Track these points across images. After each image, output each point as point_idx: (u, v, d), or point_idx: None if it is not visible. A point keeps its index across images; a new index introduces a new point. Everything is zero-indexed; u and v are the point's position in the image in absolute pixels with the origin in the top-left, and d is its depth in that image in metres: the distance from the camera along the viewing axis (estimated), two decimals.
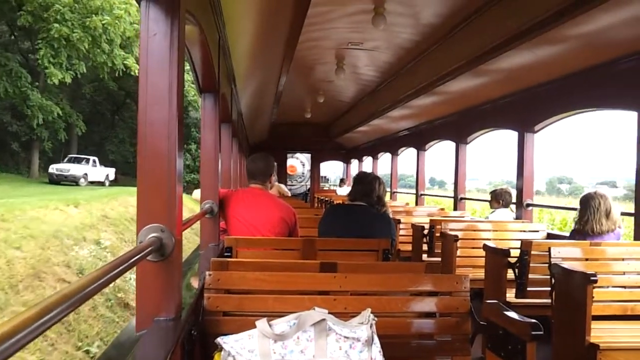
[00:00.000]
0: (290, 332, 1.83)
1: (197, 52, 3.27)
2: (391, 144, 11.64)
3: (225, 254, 3.16)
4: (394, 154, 11.75)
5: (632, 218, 4.21)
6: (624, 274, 3.40)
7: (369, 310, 1.88)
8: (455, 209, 7.83)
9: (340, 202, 4.57)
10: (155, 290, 1.80)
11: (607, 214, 3.85)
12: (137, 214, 1.82)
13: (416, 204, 9.80)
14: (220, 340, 1.82)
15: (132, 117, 33.68)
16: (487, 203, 6.37)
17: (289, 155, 15.88)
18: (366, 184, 3.58)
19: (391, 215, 3.71)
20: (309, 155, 16.24)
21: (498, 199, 6.16)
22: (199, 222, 3.63)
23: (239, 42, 4.65)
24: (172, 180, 1.81)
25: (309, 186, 16.26)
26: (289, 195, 10.64)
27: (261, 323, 1.84)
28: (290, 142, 14.48)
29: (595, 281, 2.89)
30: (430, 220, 5.62)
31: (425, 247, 5.57)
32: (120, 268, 1.34)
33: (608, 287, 3.36)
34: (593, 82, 4.69)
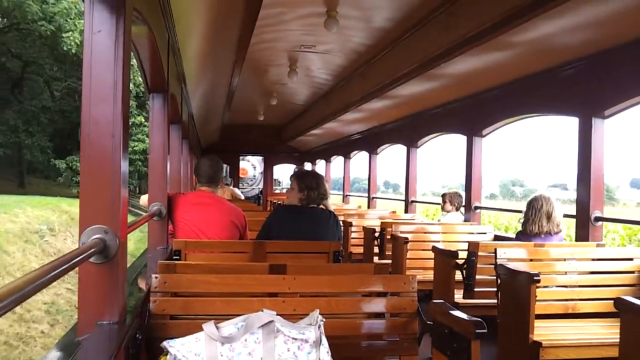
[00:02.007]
0: (237, 334, 1.81)
1: (145, 51, 3.20)
2: (344, 147, 11.71)
3: (174, 257, 3.10)
4: (347, 157, 11.83)
5: (574, 220, 4.36)
6: (565, 273, 3.52)
7: (317, 311, 1.88)
8: (406, 211, 7.94)
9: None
10: (98, 293, 1.75)
11: (549, 216, 3.98)
12: (80, 214, 1.77)
13: (368, 207, 9.88)
14: (166, 343, 1.79)
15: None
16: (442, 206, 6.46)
17: (240, 158, 15.76)
18: (322, 189, 3.54)
19: (330, 209, 3.68)
20: (260, 158, 16.17)
21: (452, 201, 6.28)
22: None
23: (189, 43, 4.58)
24: (116, 180, 1.77)
25: (261, 189, 16.18)
26: (242, 198, 10.56)
27: (208, 326, 1.81)
28: (243, 145, 14.37)
29: (539, 281, 2.98)
30: (381, 222, 5.68)
31: (376, 249, 5.62)
32: (60, 269, 1.30)
33: (551, 286, 3.47)
34: (538, 88, 4.83)
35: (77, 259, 1.45)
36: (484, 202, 6.24)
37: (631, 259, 3.64)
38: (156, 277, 2.09)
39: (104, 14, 1.78)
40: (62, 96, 27.23)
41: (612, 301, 2.50)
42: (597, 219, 4.19)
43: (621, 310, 2.41)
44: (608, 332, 3.13)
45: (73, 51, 21.10)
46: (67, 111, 26.81)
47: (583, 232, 4.22)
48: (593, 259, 3.63)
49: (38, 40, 24.20)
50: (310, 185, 3.52)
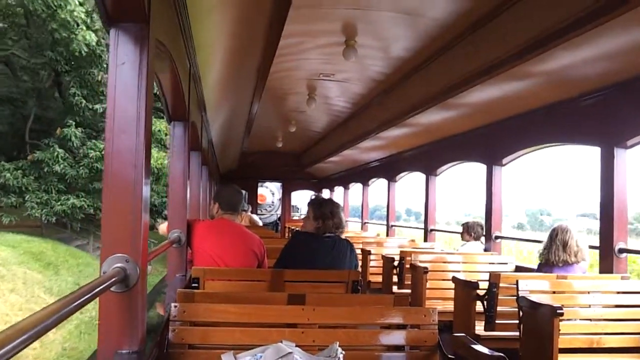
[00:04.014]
0: None
1: (167, 81, 3.26)
2: (362, 174, 11.71)
3: (192, 284, 3.10)
4: (365, 184, 11.81)
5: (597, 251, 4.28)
6: (589, 306, 3.44)
7: (337, 343, 1.86)
8: (425, 240, 7.87)
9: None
10: (118, 323, 1.75)
11: (564, 245, 3.91)
12: (102, 243, 1.79)
13: (387, 234, 9.82)
14: None
15: None
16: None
17: (259, 184, 15.82)
18: (324, 216, 3.47)
19: (343, 236, 3.64)
20: (279, 185, 16.22)
21: (469, 231, 6.22)
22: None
23: (210, 71, 4.65)
24: (137, 209, 1.78)
25: (279, 215, 16.19)
26: (260, 224, 10.57)
27: (227, 356, 1.81)
28: (262, 171, 14.44)
29: (562, 314, 2.91)
30: (401, 251, 5.63)
31: (395, 278, 5.56)
32: (83, 299, 1.30)
33: (575, 319, 3.39)
34: (558, 118, 4.80)
35: (99, 289, 1.46)
36: (511, 231, 6.16)
37: None
38: (175, 306, 2.09)
39: (128, 46, 1.81)
40: None
41: (639, 336, 2.44)
42: (621, 250, 4.10)
43: None
44: None
45: None
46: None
47: (607, 263, 4.14)
48: (618, 292, 3.55)
49: None
50: (325, 215, 3.49)
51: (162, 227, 4.03)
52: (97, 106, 18.73)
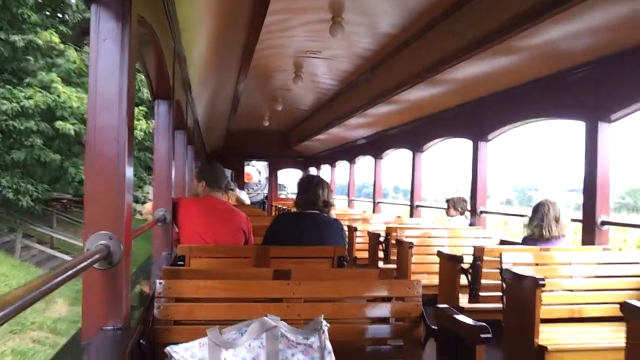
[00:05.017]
0: (241, 339, 1.81)
1: (150, 58, 3.22)
2: (349, 152, 11.72)
3: (178, 262, 3.11)
4: (352, 162, 11.83)
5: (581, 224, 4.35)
6: (571, 278, 3.50)
7: (322, 316, 1.88)
8: (411, 216, 7.93)
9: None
10: (102, 299, 1.76)
11: (557, 220, 3.97)
12: (85, 220, 1.79)
13: (373, 212, 9.87)
14: (169, 349, 1.79)
15: None
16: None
17: (245, 163, 15.78)
18: (311, 193, 3.44)
19: (334, 217, 3.62)
20: (265, 163, 16.18)
21: (455, 206, 6.27)
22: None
23: (195, 49, 4.60)
24: (120, 186, 1.78)
25: (266, 194, 16.19)
26: (248, 203, 10.56)
27: (212, 331, 1.82)
28: (248, 150, 14.39)
29: (544, 285, 2.97)
30: (387, 227, 5.67)
31: (381, 254, 5.62)
32: (65, 275, 1.31)
33: (556, 291, 3.45)
34: (543, 93, 4.83)
35: (82, 265, 1.46)
36: (500, 207, 6.23)
37: (637, 263, 3.62)
38: (160, 283, 2.10)
39: (109, 22, 1.80)
40: None
41: (618, 305, 2.49)
42: (603, 223, 4.17)
43: (627, 314, 2.40)
44: (614, 336, 3.10)
45: None
46: None
47: (589, 236, 4.20)
48: (599, 263, 3.62)
49: None
50: (304, 189, 3.47)
51: (147, 206, 4.02)
52: (14, 37, 13.70)
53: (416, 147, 7.94)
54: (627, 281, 3.56)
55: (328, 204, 3.47)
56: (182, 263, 3.10)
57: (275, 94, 8.91)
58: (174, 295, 2.11)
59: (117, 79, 1.80)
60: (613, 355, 2.88)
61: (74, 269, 1.38)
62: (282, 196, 16.13)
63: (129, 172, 1.84)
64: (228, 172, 13.72)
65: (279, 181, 16.41)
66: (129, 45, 1.82)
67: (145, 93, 14.38)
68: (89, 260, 1.55)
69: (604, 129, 4.20)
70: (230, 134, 12.48)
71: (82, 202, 3.66)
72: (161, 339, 2.00)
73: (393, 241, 5.26)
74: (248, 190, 15.53)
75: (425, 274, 4.89)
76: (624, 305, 2.42)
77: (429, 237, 5.24)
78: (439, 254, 4.35)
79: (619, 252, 3.89)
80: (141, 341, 1.86)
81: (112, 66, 1.80)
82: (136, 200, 15.85)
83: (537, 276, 3.02)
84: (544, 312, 3.11)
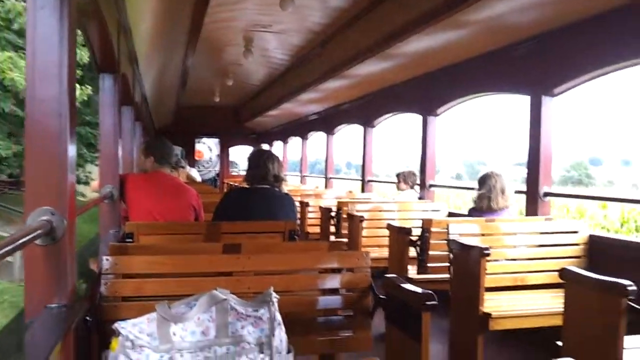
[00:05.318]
0: (190, 313, 1.80)
1: (93, 30, 3.11)
2: (301, 127, 11.70)
3: (127, 240, 3.06)
4: (304, 138, 11.82)
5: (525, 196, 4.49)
6: (515, 247, 3.63)
7: (271, 288, 1.89)
8: (363, 191, 8.01)
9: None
10: (45, 276, 1.71)
11: (503, 191, 4.11)
12: (26, 196, 1.73)
13: (325, 187, 9.92)
14: (117, 325, 1.77)
15: None
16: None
17: (196, 140, 15.52)
18: (261, 167, 3.40)
19: (285, 191, 3.61)
20: (216, 140, 15.96)
21: (404, 180, 6.37)
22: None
23: (141, 22, 4.47)
24: (63, 160, 1.73)
25: (217, 171, 16.00)
26: (199, 180, 10.44)
27: (160, 306, 1.80)
28: (199, 127, 14.15)
29: (488, 254, 3.07)
30: (338, 202, 5.72)
31: (333, 229, 5.67)
32: (5, 250, 1.27)
33: (501, 260, 3.57)
34: (490, 67, 4.92)
35: (22, 240, 1.42)
36: (450, 182, 6.35)
37: (576, 232, 3.78)
38: (107, 260, 2.06)
39: None
40: None
41: (557, 273, 2.60)
42: (546, 194, 4.32)
43: (565, 279, 2.51)
44: (554, 302, 3.25)
45: None
46: None
47: (532, 207, 4.35)
48: (541, 233, 3.76)
49: None
50: (254, 163, 3.45)
51: (95, 184, 3.93)
52: None
53: (367, 122, 7.99)
54: (567, 249, 3.72)
55: (279, 179, 3.44)
56: (130, 240, 3.05)
57: (226, 69, 8.77)
58: (122, 272, 2.08)
59: (57, 49, 1.73)
60: (553, 319, 3.02)
61: (13, 245, 1.34)
62: (234, 173, 15.97)
63: (72, 145, 1.79)
64: (178, 150, 13.49)
65: (231, 158, 16.23)
66: (69, 14, 1.75)
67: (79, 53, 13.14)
68: (30, 236, 1.50)
69: (547, 102, 4.32)
70: (180, 110, 12.25)
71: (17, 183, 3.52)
72: (109, 316, 1.97)
73: (344, 215, 5.31)
74: (199, 167, 15.28)
75: (376, 247, 4.97)
76: (562, 272, 2.53)
77: (380, 211, 5.31)
78: (389, 226, 4.42)
79: (560, 221, 4.06)
80: (87, 318, 1.83)
81: (51, 36, 1.73)
82: (78, 180, 15.05)
83: (483, 246, 3.12)
84: (488, 280, 3.23)
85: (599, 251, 3.71)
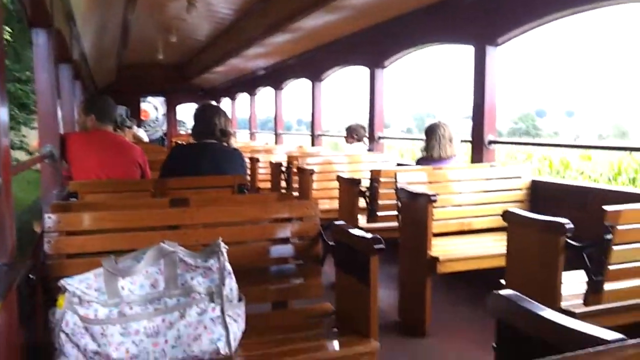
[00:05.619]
0: (138, 266, 1.79)
1: None
2: (249, 83, 11.52)
3: (71, 199, 2.98)
4: (252, 94, 11.67)
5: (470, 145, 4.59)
6: (460, 193, 3.73)
7: (220, 239, 1.89)
8: (313, 145, 8.02)
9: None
10: None
11: (450, 140, 4.19)
12: None
13: (275, 143, 9.88)
14: (63, 282, 1.74)
15: None
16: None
17: (141, 99, 15.05)
18: (207, 122, 3.33)
19: (234, 146, 3.56)
20: (162, 99, 15.53)
21: (353, 134, 6.39)
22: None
23: None
24: None
25: (165, 131, 15.62)
26: (146, 140, 10.22)
27: (107, 261, 1.78)
28: (143, 85, 13.71)
29: (435, 201, 3.14)
30: (288, 156, 5.71)
31: (284, 184, 5.67)
32: None
33: (447, 206, 3.67)
34: (436, 18, 4.93)
35: None
36: (401, 135, 6.40)
37: (519, 177, 3.91)
38: (49, 217, 2.01)
39: None
40: None
41: (501, 215, 2.69)
42: (491, 142, 4.42)
43: (508, 221, 2.60)
44: (498, 244, 3.37)
45: None
46: None
47: (478, 155, 4.45)
48: (486, 179, 3.87)
49: None
50: (200, 118, 3.38)
51: (34, 143, 3.79)
52: None
53: (315, 76, 7.94)
54: (510, 194, 3.85)
55: (226, 133, 3.39)
56: (75, 200, 2.97)
57: (169, 24, 8.47)
58: (65, 229, 2.04)
59: None
60: (497, 260, 3.13)
61: None
62: (182, 132, 15.65)
63: (2, 103, 1.71)
64: (123, 109, 13.08)
65: (178, 117, 15.85)
66: None
67: None
68: None
69: (491, 52, 4.37)
70: (123, 68, 11.84)
71: None
72: (54, 274, 1.93)
73: (295, 170, 5.31)
74: (145, 127, 14.88)
75: (327, 199, 5.01)
76: (505, 214, 2.62)
77: (330, 164, 5.33)
78: (339, 178, 4.46)
79: (503, 167, 4.17)
80: (30, 276, 1.79)
81: None
82: (12, 146, 14.13)
83: (430, 193, 3.19)
84: (436, 226, 3.32)
85: (541, 195, 3.86)
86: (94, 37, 7.31)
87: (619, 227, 2.25)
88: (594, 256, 2.31)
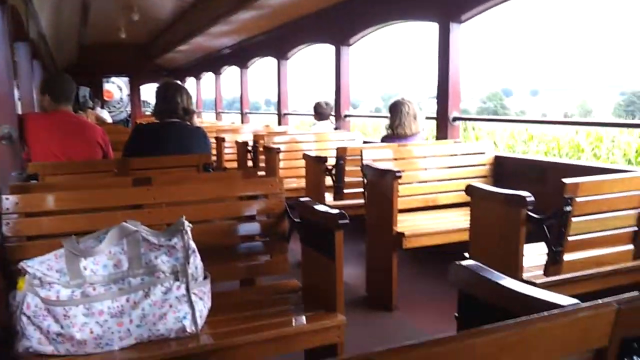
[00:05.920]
0: (101, 246, 1.76)
1: None
2: (214, 63, 11.36)
3: (31, 181, 2.91)
4: (218, 73, 11.51)
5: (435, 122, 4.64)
6: (426, 170, 3.77)
7: (183, 217, 1.87)
8: (279, 124, 7.98)
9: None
10: None
11: (415, 117, 4.21)
12: None
13: (242, 122, 9.80)
14: (23, 264, 1.71)
15: None
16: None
17: (104, 80, 14.73)
18: (169, 101, 3.26)
19: (197, 124, 3.49)
20: (126, 79, 15.21)
21: (320, 111, 6.39)
22: None
23: None
24: None
25: (129, 112, 15.33)
26: (110, 122, 10.02)
27: (68, 241, 1.75)
28: (106, 65, 13.39)
29: (400, 177, 3.16)
30: (254, 135, 5.68)
31: (250, 163, 5.64)
32: None
33: (413, 183, 3.71)
34: None
35: None
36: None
37: (483, 153, 3.97)
38: (7, 199, 1.96)
39: None
40: None
41: (465, 190, 2.72)
42: (455, 119, 4.47)
43: (471, 195, 2.64)
44: (462, 219, 3.43)
45: None
46: None
47: (443, 132, 4.50)
48: (450, 155, 3.91)
49: None
50: (161, 97, 3.30)
51: None
52: None
53: (281, 54, 7.88)
54: (474, 170, 3.91)
55: (189, 111, 3.33)
56: (35, 182, 2.90)
57: (130, 2, 8.27)
58: (25, 211, 1.99)
59: None
60: (461, 235, 3.18)
61: None
62: (146, 113, 15.38)
63: None
64: (85, 90, 12.77)
65: (143, 97, 15.55)
66: None
67: None
68: None
69: (455, 29, 4.39)
70: (85, 48, 11.53)
71: None
72: (14, 256, 1.88)
73: (261, 149, 5.28)
74: (109, 108, 14.56)
75: (294, 177, 5.00)
76: (468, 188, 2.66)
77: (296, 142, 5.31)
78: (305, 156, 4.46)
79: (467, 143, 4.24)
80: None
81: None
82: None
83: (395, 169, 3.21)
84: (401, 202, 3.35)
85: (504, 170, 3.93)
86: (52, 15, 7.09)
87: (578, 199, 2.31)
88: (553, 228, 2.37)
